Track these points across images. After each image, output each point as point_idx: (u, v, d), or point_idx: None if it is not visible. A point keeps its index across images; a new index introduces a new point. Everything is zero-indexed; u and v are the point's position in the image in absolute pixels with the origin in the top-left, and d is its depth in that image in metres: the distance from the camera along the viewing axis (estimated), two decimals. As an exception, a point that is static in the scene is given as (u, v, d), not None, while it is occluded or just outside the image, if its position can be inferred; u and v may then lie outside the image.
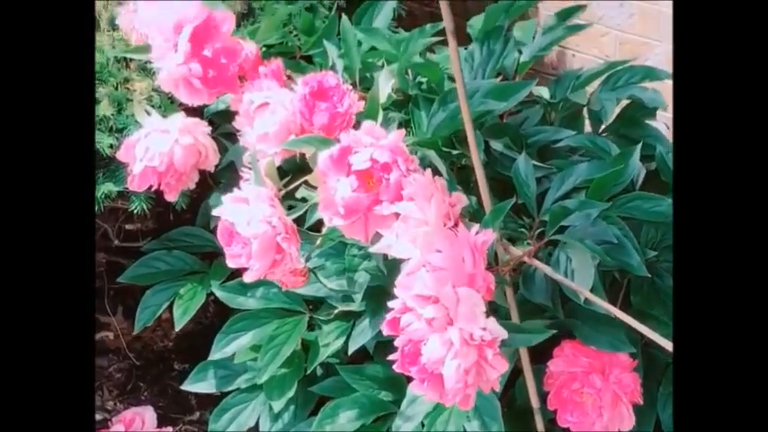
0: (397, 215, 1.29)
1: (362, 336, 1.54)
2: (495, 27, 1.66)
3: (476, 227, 1.22)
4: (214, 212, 1.34)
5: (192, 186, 1.60)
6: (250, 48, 1.54)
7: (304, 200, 1.40)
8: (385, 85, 1.50)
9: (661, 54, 2.32)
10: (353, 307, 1.54)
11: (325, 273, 1.52)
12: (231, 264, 1.34)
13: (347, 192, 1.29)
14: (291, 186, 1.40)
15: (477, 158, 1.29)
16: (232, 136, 1.65)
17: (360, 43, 1.63)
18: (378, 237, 1.31)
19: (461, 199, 1.30)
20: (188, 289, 1.68)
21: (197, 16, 1.49)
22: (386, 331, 1.17)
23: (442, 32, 1.64)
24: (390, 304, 1.19)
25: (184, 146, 1.54)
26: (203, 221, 1.75)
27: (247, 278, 1.32)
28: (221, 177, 1.71)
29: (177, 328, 1.65)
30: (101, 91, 1.61)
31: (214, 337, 1.81)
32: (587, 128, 1.73)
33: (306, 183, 1.40)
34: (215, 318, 1.96)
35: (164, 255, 1.72)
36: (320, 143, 1.41)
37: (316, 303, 1.65)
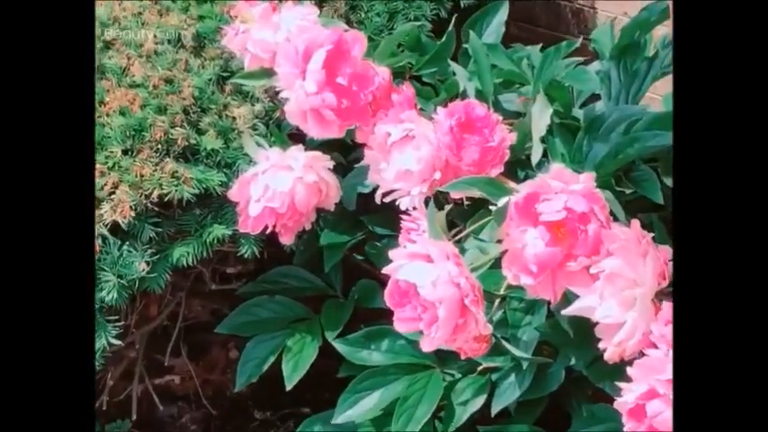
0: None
1: (508, 394, 1.38)
2: (631, 43, 1.49)
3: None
4: (386, 270, 1.16)
5: (309, 227, 1.42)
6: (383, 73, 1.36)
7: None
8: (541, 115, 1.34)
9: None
10: (499, 363, 1.37)
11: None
12: (401, 328, 1.18)
13: (540, 246, 1.13)
14: (460, 236, 1.23)
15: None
16: (338, 168, 1.48)
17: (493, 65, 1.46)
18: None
19: (671, 253, 1.14)
20: (296, 340, 1.49)
21: (327, 38, 1.32)
22: (628, 422, 1.01)
23: (576, 52, 1.50)
24: (625, 386, 1.03)
25: (308, 184, 1.37)
26: (302, 260, 1.57)
27: (426, 347, 1.16)
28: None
29: (288, 387, 1.46)
30: (204, 120, 1.42)
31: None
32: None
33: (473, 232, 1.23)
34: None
35: (266, 301, 1.53)
36: (487, 186, 1.24)
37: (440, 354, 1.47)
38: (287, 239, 1.40)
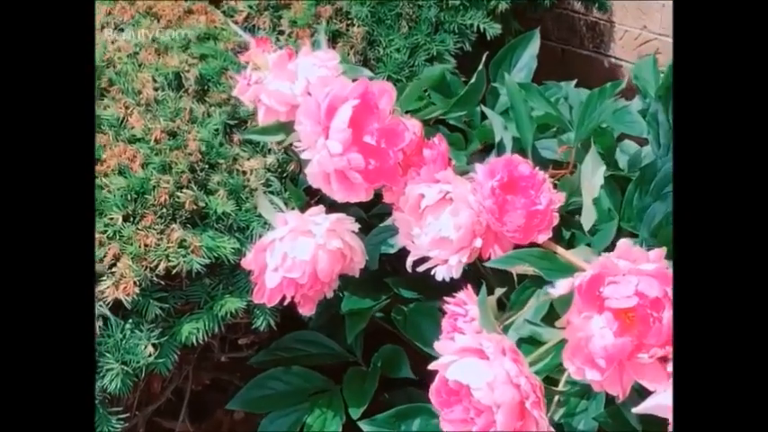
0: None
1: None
2: (679, 82, 1.35)
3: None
4: (433, 366, 1.02)
5: (331, 295, 1.28)
6: (414, 126, 1.22)
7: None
8: (593, 173, 1.20)
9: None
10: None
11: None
12: (448, 428, 1.03)
13: (609, 338, 0.99)
14: (509, 321, 1.09)
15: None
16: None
17: (531, 109, 1.32)
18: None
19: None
20: (317, 416, 1.35)
21: (353, 91, 1.17)
22: None
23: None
24: None
25: (331, 251, 1.22)
26: (319, 323, 1.43)
27: (481, 457, 1.01)
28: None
29: (314, 469, 1.32)
30: (213, 178, 1.27)
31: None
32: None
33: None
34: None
35: (281, 372, 1.39)
36: (540, 260, 1.11)
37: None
38: (307, 310, 1.26)
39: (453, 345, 1.02)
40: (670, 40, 2.03)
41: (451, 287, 1.19)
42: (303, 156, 1.17)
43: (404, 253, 1.25)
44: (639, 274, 1.01)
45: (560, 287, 1.02)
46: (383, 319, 1.41)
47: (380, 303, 1.35)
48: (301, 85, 1.22)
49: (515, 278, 1.13)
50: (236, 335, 1.39)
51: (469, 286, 1.13)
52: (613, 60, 2.16)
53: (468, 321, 1.08)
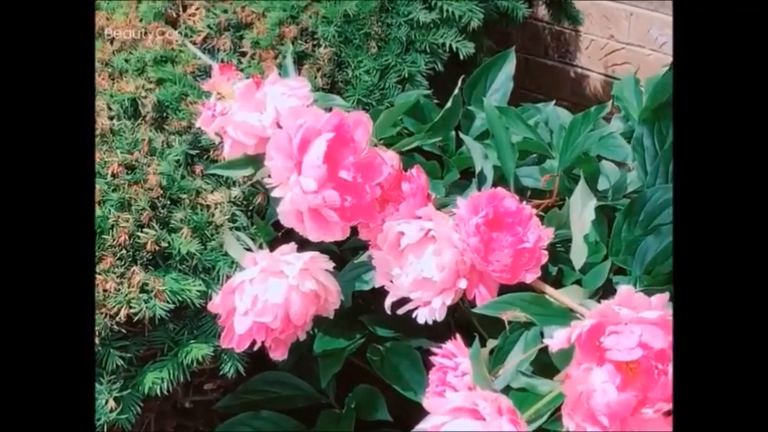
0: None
1: None
2: (663, 104, 1.29)
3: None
4: (421, 426, 0.95)
5: (304, 338, 1.20)
6: (391, 159, 1.14)
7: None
8: (583, 207, 1.13)
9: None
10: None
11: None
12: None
13: (612, 393, 0.92)
14: (500, 373, 1.02)
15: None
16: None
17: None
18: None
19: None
20: (290, 465, 1.27)
21: (327, 123, 1.09)
22: None
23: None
24: None
25: (304, 293, 1.14)
26: (289, 363, 1.34)
27: None
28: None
29: None
30: (176, 215, 1.19)
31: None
32: None
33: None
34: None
35: (249, 418, 1.30)
36: (531, 305, 1.04)
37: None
38: (278, 355, 1.18)
39: (445, 403, 0.94)
40: (638, 49, 1.97)
41: (431, 326, 1.13)
42: (274, 193, 1.10)
43: (378, 288, 1.18)
44: (641, 322, 0.94)
45: (558, 339, 0.94)
46: (354, 355, 1.34)
47: (355, 343, 1.27)
48: (270, 116, 1.14)
49: (506, 323, 1.05)
50: (201, 378, 1.31)
51: (458, 336, 1.05)
52: (579, 70, 2.10)
53: (460, 376, 1.01)
